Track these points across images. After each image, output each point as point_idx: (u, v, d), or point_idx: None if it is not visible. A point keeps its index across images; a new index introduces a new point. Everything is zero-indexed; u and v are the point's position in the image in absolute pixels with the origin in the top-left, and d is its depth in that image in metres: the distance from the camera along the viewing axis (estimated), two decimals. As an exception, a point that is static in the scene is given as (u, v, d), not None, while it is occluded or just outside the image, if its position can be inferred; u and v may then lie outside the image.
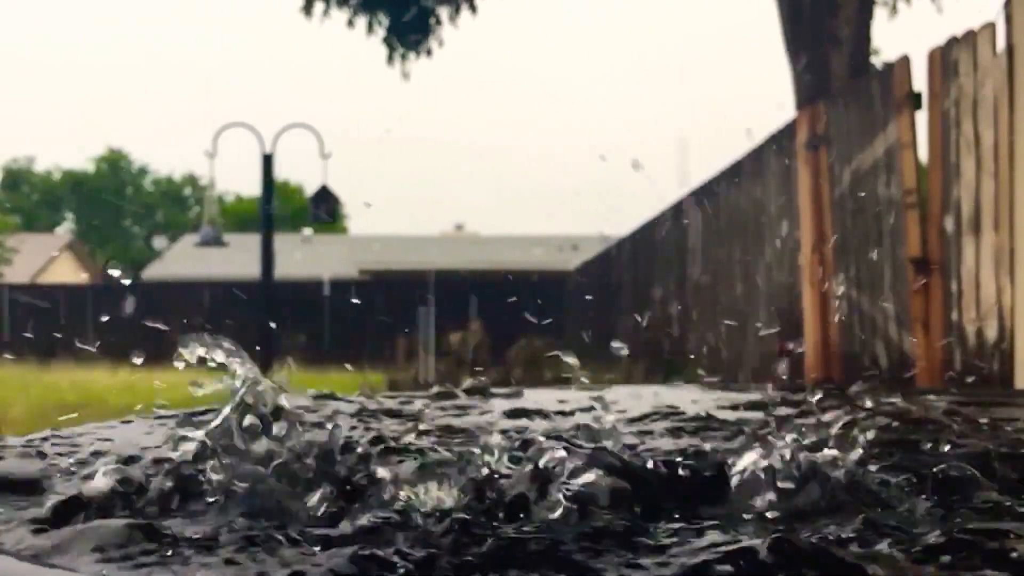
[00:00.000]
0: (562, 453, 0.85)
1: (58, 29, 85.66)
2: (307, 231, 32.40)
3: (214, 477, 0.87)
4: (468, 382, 1.81)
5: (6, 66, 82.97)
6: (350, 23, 13.68)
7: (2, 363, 15.14)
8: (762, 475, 0.86)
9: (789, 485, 0.85)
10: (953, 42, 5.36)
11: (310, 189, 15.70)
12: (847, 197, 6.72)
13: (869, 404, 1.47)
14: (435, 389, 1.78)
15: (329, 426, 0.93)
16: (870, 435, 1.00)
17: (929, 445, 1.12)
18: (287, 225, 38.83)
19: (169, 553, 0.70)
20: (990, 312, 5.00)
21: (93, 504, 0.83)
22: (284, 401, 0.93)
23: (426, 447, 1.06)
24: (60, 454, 1.11)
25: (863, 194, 6.40)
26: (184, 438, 0.94)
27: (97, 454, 1.08)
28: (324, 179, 14.94)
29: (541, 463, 0.85)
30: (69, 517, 0.81)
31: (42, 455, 1.08)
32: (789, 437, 0.90)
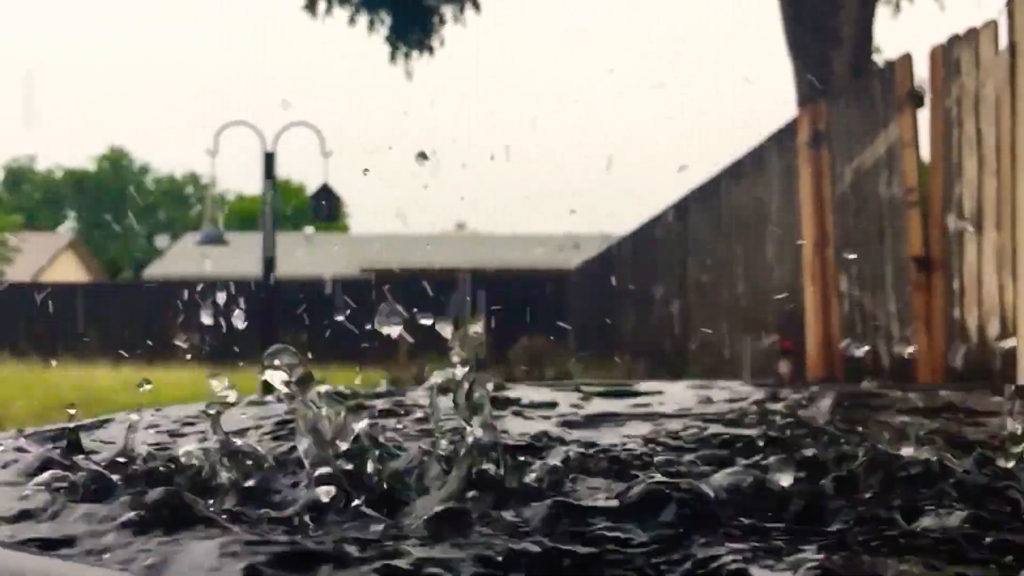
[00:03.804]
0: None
1: (58, 29, 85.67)
2: (309, 230, 32.40)
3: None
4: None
5: (6, 66, 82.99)
6: (351, 20, 13.67)
7: (4, 362, 15.15)
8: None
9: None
10: (955, 40, 5.35)
11: (311, 188, 15.70)
12: (848, 196, 6.71)
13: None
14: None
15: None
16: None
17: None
18: (288, 224, 38.84)
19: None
20: (992, 310, 5.00)
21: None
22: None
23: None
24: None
25: (864, 193, 6.40)
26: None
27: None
28: (325, 178, 14.95)
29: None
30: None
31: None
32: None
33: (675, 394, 1.76)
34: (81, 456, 1.05)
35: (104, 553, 0.70)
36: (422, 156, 1.45)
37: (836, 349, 6.93)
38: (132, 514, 0.76)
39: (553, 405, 1.60)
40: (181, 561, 0.66)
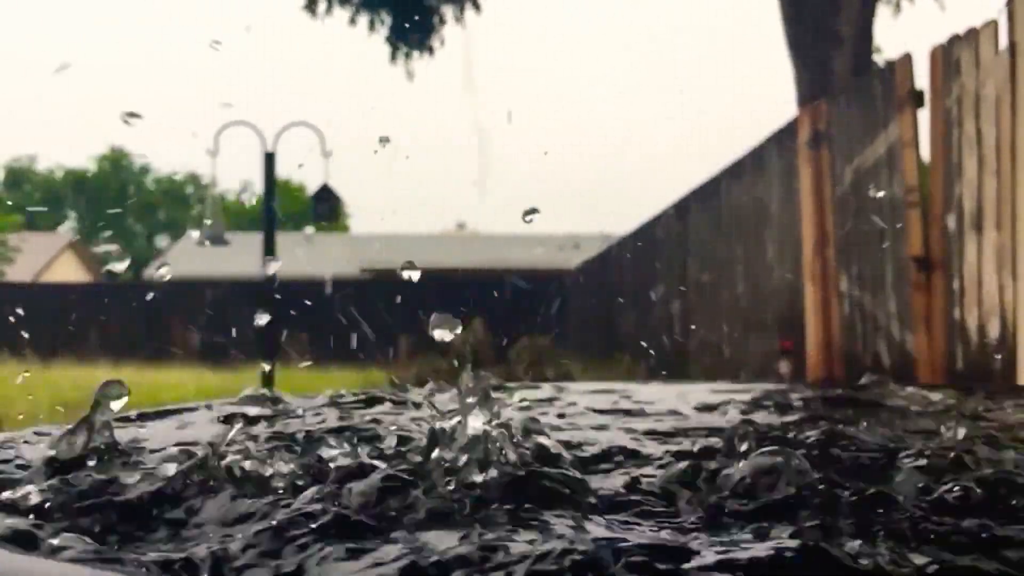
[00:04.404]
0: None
1: (58, 29, 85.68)
2: (309, 230, 32.39)
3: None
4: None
5: (6, 66, 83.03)
6: (352, 20, 13.68)
7: (3, 361, 15.14)
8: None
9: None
10: (955, 40, 5.35)
11: (311, 188, 15.69)
12: (849, 195, 6.71)
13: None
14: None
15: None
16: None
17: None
18: (289, 224, 38.85)
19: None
20: (992, 310, 5.00)
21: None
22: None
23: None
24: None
25: (865, 192, 6.40)
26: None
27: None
28: (325, 178, 14.94)
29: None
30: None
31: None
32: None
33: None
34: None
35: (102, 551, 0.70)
36: (384, 140, 1.46)
37: (836, 349, 6.93)
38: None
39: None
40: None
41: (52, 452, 0.99)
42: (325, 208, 14.90)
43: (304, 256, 25.65)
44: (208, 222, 16.12)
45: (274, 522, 0.75)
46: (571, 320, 18.87)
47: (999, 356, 4.91)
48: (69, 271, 38.18)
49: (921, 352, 5.71)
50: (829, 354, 6.99)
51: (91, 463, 0.97)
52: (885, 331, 6.20)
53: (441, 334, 1.01)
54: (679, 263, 11.52)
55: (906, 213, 5.86)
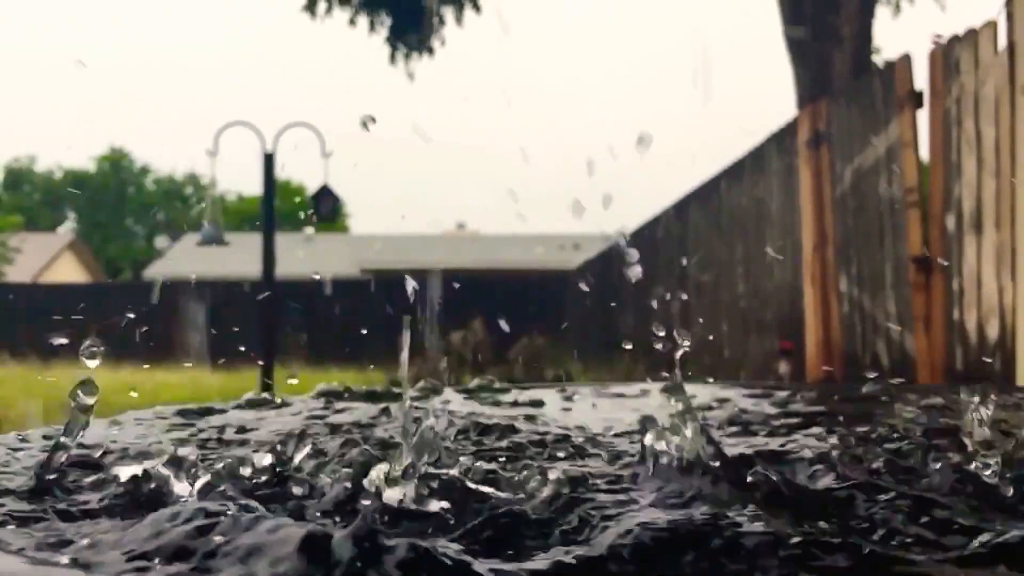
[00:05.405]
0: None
1: (58, 29, 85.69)
2: (309, 230, 32.39)
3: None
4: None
5: (6, 66, 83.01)
6: (352, 21, 13.68)
7: (4, 362, 15.14)
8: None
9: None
10: (954, 40, 5.35)
11: (311, 188, 15.69)
12: (848, 195, 6.71)
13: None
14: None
15: None
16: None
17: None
18: (288, 224, 38.82)
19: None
20: (991, 310, 5.00)
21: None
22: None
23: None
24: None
25: (865, 192, 6.40)
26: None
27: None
28: (325, 178, 14.92)
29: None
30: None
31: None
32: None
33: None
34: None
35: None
36: (370, 120, 1.45)
37: (836, 349, 6.93)
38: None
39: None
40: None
41: (46, 455, 0.99)
42: (325, 208, 14.88)
43: (304, 256, 25.62)
44: (207, 223, 16.08)
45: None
46: (571, 320, 18.86)
47: (998, 356, 4.91)
48: (69, 271, 38.18)
49: (920, 352, 5.71)
50: (829, 354, 6.99)
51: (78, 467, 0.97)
52: (885, 331, 6.20)
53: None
54: (679, 263, 11.52)
55: (906, 213, 5.86)
